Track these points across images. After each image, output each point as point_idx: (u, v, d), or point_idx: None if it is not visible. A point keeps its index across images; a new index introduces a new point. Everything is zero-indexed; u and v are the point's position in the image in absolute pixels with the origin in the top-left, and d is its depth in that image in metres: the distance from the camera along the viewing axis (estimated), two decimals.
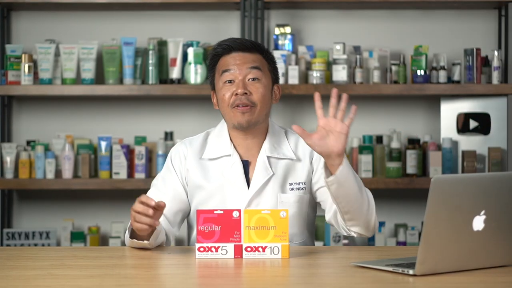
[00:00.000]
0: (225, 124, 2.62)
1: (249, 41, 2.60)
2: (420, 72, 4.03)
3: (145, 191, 2.62)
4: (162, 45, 4.12)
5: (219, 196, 2.54)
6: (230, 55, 2.56)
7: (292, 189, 2.56)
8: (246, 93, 2.51)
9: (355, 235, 2.48)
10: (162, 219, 2.52)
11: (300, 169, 2.58)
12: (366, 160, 4.06)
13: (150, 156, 4.14)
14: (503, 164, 4.11)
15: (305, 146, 2.57)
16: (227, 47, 2.56)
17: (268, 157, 2.56)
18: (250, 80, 2.53)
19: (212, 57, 2.60)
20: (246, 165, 2.57)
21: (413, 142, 4.11)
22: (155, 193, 2.57)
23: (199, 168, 2.58)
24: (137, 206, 2.28)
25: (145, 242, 2.36)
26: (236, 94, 2.51)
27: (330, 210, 2.53)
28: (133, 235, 2.40)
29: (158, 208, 2.27)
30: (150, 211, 2.26)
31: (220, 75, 2.55)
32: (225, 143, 2.58)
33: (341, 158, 2.34)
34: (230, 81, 2.54)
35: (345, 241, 4.16)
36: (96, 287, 1.93)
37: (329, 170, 2.37)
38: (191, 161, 2.59)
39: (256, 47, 2.58)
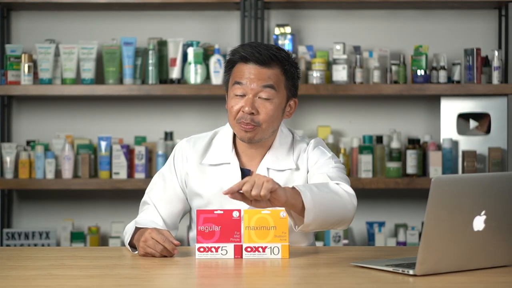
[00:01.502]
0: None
1: (270, 53, 2.42)
2: (420, 72, 4.03)
3: (145, 191, 2.61)
4: (162, 45, 4.12)
5: (216, 205, 2.48)
6: (246, 65, 2.42)
7: None
8: (253, 113, 2.41)
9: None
10: (161, 224, 2.51)
11: (297, 178, 2.50)
12: (366, 160, 4.06)
13: (150, 156, 4.14)
14: (503, 164, 4.11)
15: (306, 154, 2.52)
16: (244, 56, 2.42)
17: (268, 169, 2.49)
18: (262, 98, 2.42)
19: (229, 61, 2.48)
20: (247, 174, 2.49)
21: (413, 142, 4.11)
22: (153, 197, 2.55)
23: (198, 174, 2.53)
24: (160, 238, 2.27)
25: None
26: (243, 111, 2.42)
27: None
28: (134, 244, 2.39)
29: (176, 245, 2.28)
30: (176, 251, 2.26)
31: (233, 84, 2.44)
32: (227, 150, 2.52)
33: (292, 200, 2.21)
34: (241, 94, 2.42)
35: (345, 241, 4.16)
36: (96, 287, 1.93)
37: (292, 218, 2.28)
38: (192, 164, 2.54)
39: (276, 59, 2.42)
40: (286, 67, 2.45)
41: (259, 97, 2.42)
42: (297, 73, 2.49)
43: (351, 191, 2.36)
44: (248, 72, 2.42)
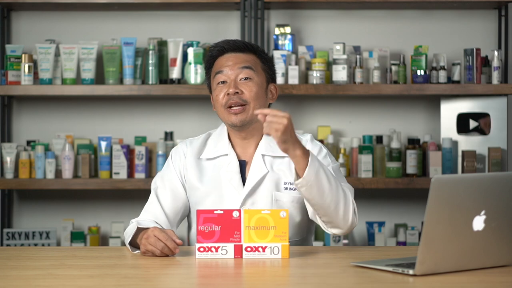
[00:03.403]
0: (225, 125, 2.65)
1: (242, 41, 2.63)
2: (420, 72, 4.03)
3: (145, 191, 2.62)
4: (162, 45, 4.12)
5: (215, 195, 2.56)
6: (223, 57, 2.60)
7: (286, 188, 2.56)
8: (237, 92, 2.54)
9: (334, 234, 2.49)
10: (163, 221, 2.53)
11: (293, 168, 2.54)
12: (366, 160, 4.06)
13: (150, 156, 4.14)
14: (503, 164, 4.11)
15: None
16: (221, 48, 2.60)
17: (263, 155, 2.57)
18: (242, 79, 2.56)
19: (208, 60, 2.64)
20: (243, 165, 2.59)
21: (413, 142, 4.11)
22: (156, 196, 2.59)
23: (196, 168, 2.60)
24: (163, 236, 2.28)
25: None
26: (228, 94, 2.54)
27: (309, 208, 2.50)
28: (135, 243, 2.40)
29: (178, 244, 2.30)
30: (177, 250, 2.28)
31: (214, 76, 2.60)
32: (223, 143, 2.61)
33: (287, 146, 2.34)
34: (223, 82, 2.57)
35: (345, 241, 4.16)
36: (96, 287, 1.93)
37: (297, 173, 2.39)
38: (190, 160, 2.61)
39: (249, 47, 2.61)
40: (260, 53, 2.64)
41: (240, 79, 2.56)
42: (271, 61, 2.66)
43: (356, 210, 2.47)
44: (226, 60, 2.59)
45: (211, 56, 2.63)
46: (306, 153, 2.37)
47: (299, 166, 2.36)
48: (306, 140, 2.61)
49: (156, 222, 2.53)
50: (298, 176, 2.38)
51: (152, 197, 2.60)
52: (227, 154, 2.59)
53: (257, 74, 2.58)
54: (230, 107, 2.54)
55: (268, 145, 2.58)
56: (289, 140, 2.33)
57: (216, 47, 2.62)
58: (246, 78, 2.56)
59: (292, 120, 2.35)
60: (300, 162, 2.36)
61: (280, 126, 2.30)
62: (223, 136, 2.63)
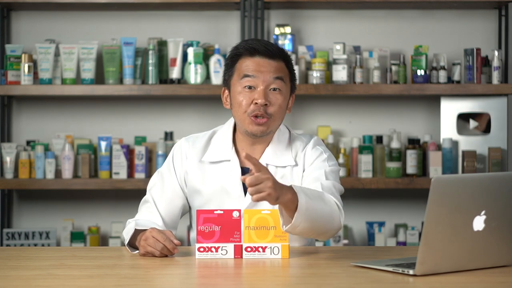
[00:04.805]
0: (231, 125, 2.55)
1: (275, 46, 2.47)
2: (420, 72, 4.03)
3: (145, 191, 2.61)
4: (162, 45, 4.12)
5: (216, 202, 2.49)
6: (253, 59, 2.44)
7: None
8: (266, 104, 2.42)
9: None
10: (161, 226, 2.50)
11: (296, 175, 2.50)
12: (366, 160, 4.06)
13: (150, 156, 4.14)
14: (503, 164, 4.11)
15: (304, 151, 2.53)
16: (251, 49, 2.44)
17: (267, 165, 2.49)
18: (272, 89, 2.44)
19: (233, 56, 2.48)
20: (246, 172, 2.47)
21: (413, 142, 4.11)
22: (153, 196, 2.55)
23: (198, 172, 2.53)
24: (161, 237, 2.27)
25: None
26: (256, 103, 2.42)
27: None
28: (134, 244, 2.39)
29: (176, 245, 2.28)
30: (176, 251, 2.26)
31: (240, 78, 2.44)
32: (227, 147, 2.52)
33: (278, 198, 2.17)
34: (250, 87, 2.44)
35: (345, 241, 4.16)
36: (96, 287, 1.93)
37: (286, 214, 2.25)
38: (192, 162, 2.55)
39: (281, 54, 2.47)
40: (288, 62, 2.50)
41: (269, 89, 2.44)
42: (294, 70, 2.54)
43: (341, 206, 2.36)
44: (257, 64, 2.44)
45: (237, 54, 2.47)
46: (294, 193, 2.20)
47: (287, 209, 2.21)
48: (307, 144, 2.53)
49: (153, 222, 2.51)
50: (284, 216, 2.24)
51: (148, 199, 2.55)
52: (229, 160, 2.51)
53: (286, 86, 2.46)
54: (256, 116, 2.43)
55: (275, 153, 2.50)
56: (279, 194, 2.16)
57: (245, 45, 2.45)
58: (275, 89, 2.43)
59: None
60: (290, 205, 2.20)
61: (271, 191, 2.13)
62: (227, 139, 2.53)
